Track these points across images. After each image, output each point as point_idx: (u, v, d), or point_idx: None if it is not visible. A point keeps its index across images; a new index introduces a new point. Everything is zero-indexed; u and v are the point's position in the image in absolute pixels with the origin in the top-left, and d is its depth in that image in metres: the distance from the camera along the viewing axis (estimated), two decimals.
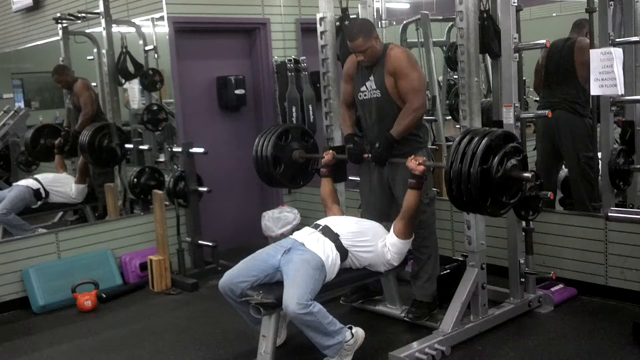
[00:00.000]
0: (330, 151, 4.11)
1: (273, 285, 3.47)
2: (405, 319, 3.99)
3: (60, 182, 5.78)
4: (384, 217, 3.94)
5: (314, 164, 4.34)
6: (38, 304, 4.68)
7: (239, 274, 3.52)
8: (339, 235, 3.63)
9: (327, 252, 3.54)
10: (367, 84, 3.93)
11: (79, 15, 5.74)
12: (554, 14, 6.80)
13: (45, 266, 4.84)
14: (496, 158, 3.13)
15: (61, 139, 5.95)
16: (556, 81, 4.78)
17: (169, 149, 5.46)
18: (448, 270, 3.99)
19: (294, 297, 3.24)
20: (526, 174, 3.21)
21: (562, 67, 4.74)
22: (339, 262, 3.58)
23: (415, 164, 3.57)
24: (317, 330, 3.29)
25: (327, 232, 3.66)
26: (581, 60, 4.64)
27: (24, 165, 6.17)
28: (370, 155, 3.95)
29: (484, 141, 3.12)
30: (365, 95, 3.97)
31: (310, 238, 3.63)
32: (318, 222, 3.81)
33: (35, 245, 4.89)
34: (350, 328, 3.46)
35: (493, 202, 3.19)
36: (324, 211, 4.10)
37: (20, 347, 4.17)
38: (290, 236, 3.76)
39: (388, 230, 3.82)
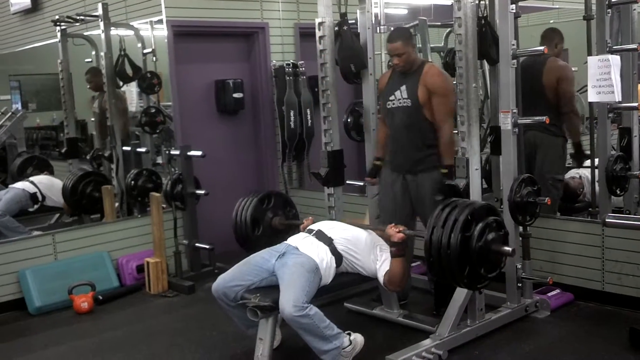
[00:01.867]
0: (310, 218, 4.09)
1: (270, 288, 3.47)
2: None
3: (57, 189, 5.77)
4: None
5: (293, 232, 4.24)
6: (34, 305, 4.67)
7: (233, 278, 3.52)
8: (332, 240, 3.65)
9: (322, 256, 3.56)
10: (397, 92, 4.06)
11: (78, 17, 5.74)
12: (552, 21, 6.83)
13: (42, 268, 4.83)
14: (478, 227, 3.18)
15: (47, 173, 6.03)
16: (529, 102, 4.48)
17: (167, 152, 5.46)
18: None
19: (290, 299, 3.25)
20: (507, 248, 3.26)
21: (532, 87, 4.58)
22: (334, 265, 3.60)
23: (394, 231, 3.55)
24: (314, 334, 3.29)
25: (321, 236, 3.68)
26: (549, 82, 4.62)
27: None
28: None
29: (466, 210, 3.17)
30: (393, 103, 4.08)
31: (304, 242, 3.65)
32: (311, 227, 3.83)
33: (32, 247, 4.88)
34: (349, 334, 3.46)
35: (471, 272, 3.23)
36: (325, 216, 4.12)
37: (16, 348, 4.16)
38: (285, 241, 3.77)
39: (380, 236, 3.83)
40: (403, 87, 4.04)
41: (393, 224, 3.62)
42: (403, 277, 3.62)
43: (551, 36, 4.79)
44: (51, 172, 6.12)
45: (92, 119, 6.33)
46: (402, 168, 4.11)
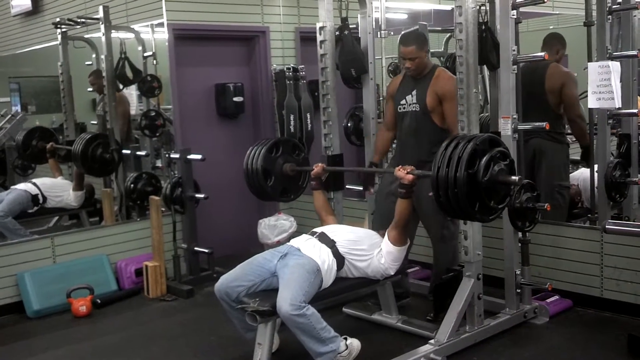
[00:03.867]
0: (320, 164, 4.13)
1: (269, 292, 3.47)
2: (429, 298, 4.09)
3: (59, 189, 5.77)
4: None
5: (306, 178, 4.32)
6: (32, 308, 4.66)
7: (236, 277, 3.53)
8: (335, 242, 3.66)
9: (323, 257, 3.56)
10: (408, 97, 4.10)
11: (79, 20, 5.74)
12: (551, 27, 6.85)
13: (41, 271, 4.82)
14: (482, 162, 3.13)
15: (52, 143, 5.95)
16: (529, 108, 4.45)
17: (167, 155, 5.46)
18: (445, 280, 4.00)
19: (287, 297, 3.25)
20: (513, 177, 3.21)
21: (534, 93, 4.57)
22: (335, 268, 3.60)
23: (403, 173, 3.58)
24: (310, 334, 3.29)
25: (324, 238, 3.68)
26: (551, 87, 4.61)
27: (20, 169, 6.15)
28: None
29: (469, 145, 3.13)
30: (404, 107, 4.13)
31: (306, 244, 3.66)
32: (315, 229, 3.84)
33: (30, 250, 4.87)
34: (345, 339, 3.45)
35: (481, 207, 3.19)
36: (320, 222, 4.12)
37: (14, 351, 4.15)
38: (287, 243, 3.78)
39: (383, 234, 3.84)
40: (414, 92, 4.08)
41: (401, 166, 3.64)
42: (408, 217, 3.66)
43: (552, 42, 4.79)
44: (57, 142, 6.03)
45: (93, 122, 6.32)
46: None
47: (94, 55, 6.03)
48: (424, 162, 4.01)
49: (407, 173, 3.56)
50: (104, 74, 5.61)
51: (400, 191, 3.61)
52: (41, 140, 5.99)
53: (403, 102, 4.14)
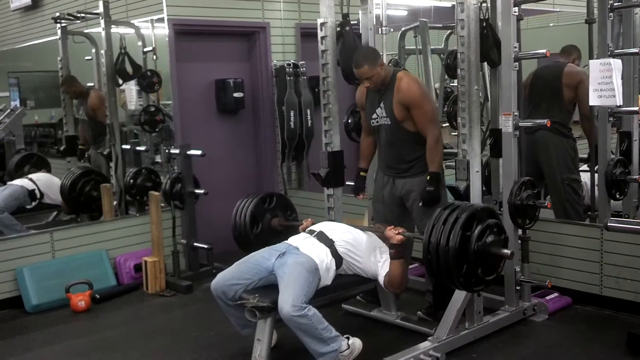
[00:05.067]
0: (309, 219, 4.07)
1: (268, 288, 3.46)
2: (418, 312, 4.05)
3: (55, 185, 5.76)
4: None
5: (292, 233, 4.19)
6: (31, 303, 4.66)
7: (232, 276, 3.52)
8: (334, 242, 3.65)
9: (322, 257, 3.55)
10: (378, 110, 4.03)
11: (78, 15, 5.74)
12: (551, 24, 6.85)
13: (40, 265, 4.81)
14: (478, 227, 3.20)
15: (45, 170, 6.02)
16: (542, 102, 4.78)
17: (166, 151, 5.45)
18: None
19: (289, 299, 3.24)
20: (505, 251, 3.27)
21: (550, 88, 4.76)
22: (334, 267, 3.59)
23: (393, 233, 3.54)
24: (312, 335, 3.28)
25: (322, 237, 3.67)
26: (568, 83, 4.73)
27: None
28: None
29: (467, 211, 3.19)
30: (377, 121, 4.06)
31: (305, 242, 3.64)
32: (313, 227, 3.83)
33: (29, 245, 4.87)
34: (348, 338, 3.45)
35: (468, 272, 3.22)
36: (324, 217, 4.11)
37: (13, 346, 4.14)
38: (285, 241, 3.76)
39: (381, 235, 3.82)
40: (382, 105, 3.99)
41: (392, 226, 3.61)
42: (403, 279, 3.61)
43: (571, 51, 4.96)
44: (49, 170, 6.11)
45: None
46: (392, 174, 4.10)
47: (93, 50, 6.02)
48: (407, 170, 4.00)
49: (398, 234, 3.53)
50: (103, 68, 5.60)
51: (391, 252, 3.57)
52: (33, 167, 6.03)
53: (374, 116, 4.05)
